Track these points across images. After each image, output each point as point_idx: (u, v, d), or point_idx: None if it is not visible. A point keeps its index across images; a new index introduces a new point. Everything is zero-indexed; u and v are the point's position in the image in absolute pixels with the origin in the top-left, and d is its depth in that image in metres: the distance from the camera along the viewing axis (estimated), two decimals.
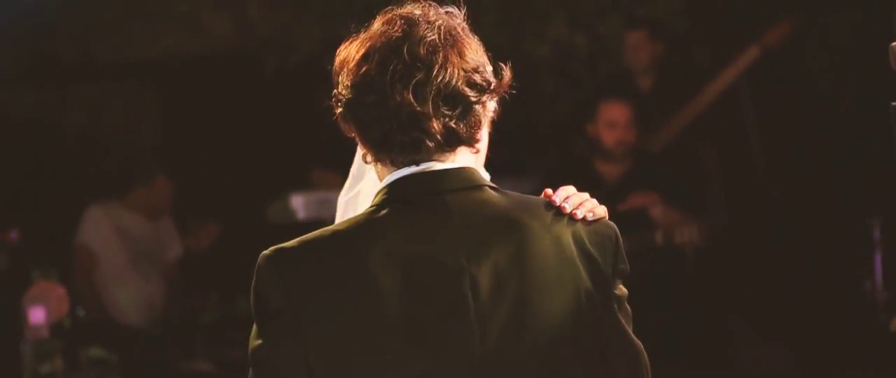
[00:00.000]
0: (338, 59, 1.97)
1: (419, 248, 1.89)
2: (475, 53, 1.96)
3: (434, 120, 1.91)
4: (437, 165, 1.95)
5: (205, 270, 6.46)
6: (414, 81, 1.90)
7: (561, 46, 6.74)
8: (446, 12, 1.98)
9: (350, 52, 1.95)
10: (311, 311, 1.85)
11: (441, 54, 1.92)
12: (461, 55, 1.94)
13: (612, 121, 5.71)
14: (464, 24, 1.99)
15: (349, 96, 1.93)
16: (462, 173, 1.96)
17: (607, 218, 2.02)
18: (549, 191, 2.02)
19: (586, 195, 2.02)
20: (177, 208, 6.51)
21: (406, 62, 1.90)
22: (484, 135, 2.01)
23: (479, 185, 1.96)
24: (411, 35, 1.92)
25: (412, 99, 1.89)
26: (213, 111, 7.02)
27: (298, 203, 6.32)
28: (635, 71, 6.22)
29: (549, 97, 6.77)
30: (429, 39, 1.92)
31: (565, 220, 1.97)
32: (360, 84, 1.92)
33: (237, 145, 6.92)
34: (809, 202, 6.13)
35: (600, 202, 2.03)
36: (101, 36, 7.12)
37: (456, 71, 1.92)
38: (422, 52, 1.91)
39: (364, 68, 1.92)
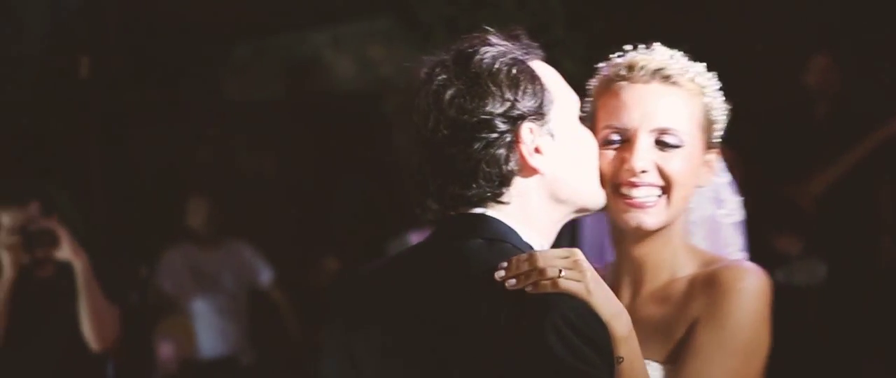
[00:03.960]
0: None
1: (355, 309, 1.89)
2: (489, 97, 1.80)
3: (431, 189, 1.84)
4: (455, 211, 1.85)
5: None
6: (418, 156, 1.84)
7: None
8: (470, 48, 1.84)
9: None
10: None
11: (433, 117, 1.81)
12: (465, 103, 1.79)
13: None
14: (489, 56, 1.83)
15: None
16: (459, 223, 1.83)
17: (574, 290, 1.70)
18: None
19: (556, 261, 1.72)
20: (299, 243, 6.56)
21: (415, 128, 1.84)
22: (540, 166, 1.83)
23: (464, 237, 1.82)
24: (418, 97, 1.84)
25: (417, 170, 1.86)
26: (336, 149, 7.11)
27: (417, 240, 6.36)
28: (813, 97, 5.71)
29: None
30: (423, 105, 1.82)
31: (496, 292, 1.72)
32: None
33: (359, 183, 7.00)
34: None
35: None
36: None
37: (451, 130, 1.81)
38: (418, 119, 1.82)
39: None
